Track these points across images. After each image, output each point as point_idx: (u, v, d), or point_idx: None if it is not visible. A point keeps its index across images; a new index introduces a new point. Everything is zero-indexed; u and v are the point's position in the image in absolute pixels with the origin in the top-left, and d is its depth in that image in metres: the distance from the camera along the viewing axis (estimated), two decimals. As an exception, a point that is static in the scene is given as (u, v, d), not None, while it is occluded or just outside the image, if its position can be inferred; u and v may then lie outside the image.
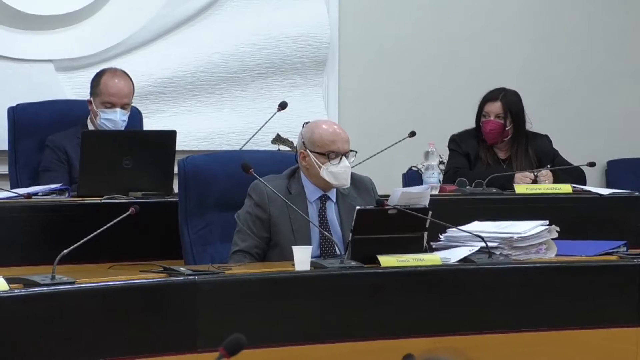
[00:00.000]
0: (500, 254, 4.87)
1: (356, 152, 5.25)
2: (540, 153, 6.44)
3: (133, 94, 6.19)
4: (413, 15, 7.43)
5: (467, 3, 7.55)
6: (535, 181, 6.09)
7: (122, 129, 6.04)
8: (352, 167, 5.24)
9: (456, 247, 4.89)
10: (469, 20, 7.56)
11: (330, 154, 5.09)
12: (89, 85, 6.22)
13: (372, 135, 5.94)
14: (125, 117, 6.08)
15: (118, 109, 6.03)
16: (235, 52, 7.12)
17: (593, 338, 4.80)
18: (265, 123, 6.16)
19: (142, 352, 4.23)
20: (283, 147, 6.02)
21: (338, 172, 5.10)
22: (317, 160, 5.10)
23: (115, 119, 6.02)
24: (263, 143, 6.15)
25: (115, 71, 6.24)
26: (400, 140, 6.04)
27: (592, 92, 7.74)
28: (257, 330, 3.83)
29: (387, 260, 4.66)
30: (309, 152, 5.13)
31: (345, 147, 5.15)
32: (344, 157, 5.11)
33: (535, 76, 7.23)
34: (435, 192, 5.69)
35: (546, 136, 6.63)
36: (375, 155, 5.77)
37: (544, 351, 4.63)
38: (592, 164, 6.51)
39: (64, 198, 5.51)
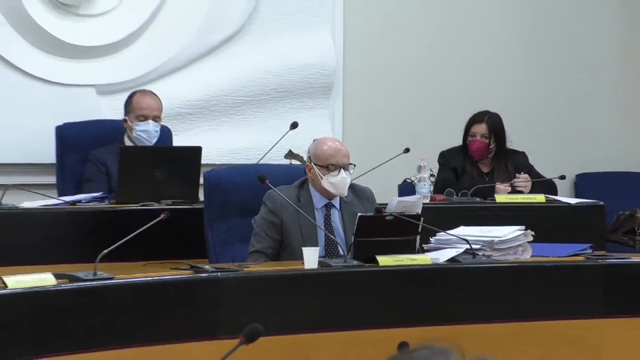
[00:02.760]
0: (483, 255, 4.88)
1: (355, 165, 5.23)
2: (517, 167, 6.44)
3: (162, 109, 6.19)
4: (408, 47, 7.42)
5: (456, 37, 7.54)
6: (513, 190, 6.11)
7: (156, 138, 6.05)
8: (354, 179, 5.26)
9: (444, 249, 4.88)
10: (457, 52, 7.56)
11: (330, 167, 5.09)
12: (122, 106, 6.23)
13: (372, 151, 5.93)
14: (157, 128, 6.08)
15: (150, 121, 6.04)
16: (253, 79, 7.11)
17: (563, 328, 4.80)
18: (279, 140, 6.17)
19: (171, 339, 4.24)
20: (294, 162, 6.01)
21: (337, 183, 5.10)
22: (319, 172, 5.10)
23: (148, 129, 6.03)
24: (277, 158, 6.16)
25: (144, 91, 6.26)
26: (396, 156, 6.03)
27: (563, 115, 7.73)
28: (272, 321, 3.84)
29: (384, 260, 4.66)
30: (313, 164, 5.13)
31: (345, 160, 5.14)
32: (342, 170, 5.10)
33: (514, 100, 7.23)
34: (427, 201, 5.67)
35: (523, 153, 6.63)
36: (374, 168, 5.77)
37: (521, 339, 4.62)
38: (562, 177, 6.55)
39: (104, 205, 5.53)
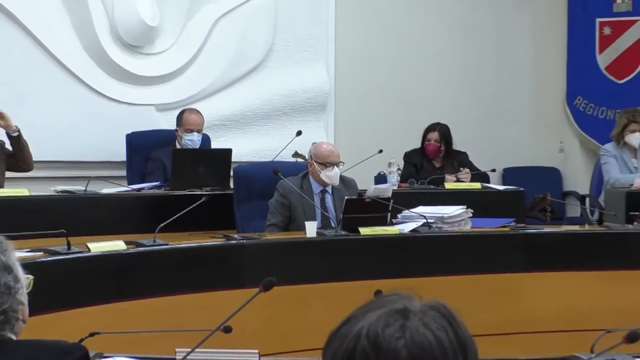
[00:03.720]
0: (436, 227, 4.88)
1: (343, 163, 5.24)
2: (461, 164, 6.43)
3: (203, 123, 6.17)
4: (381, 76, 7.42)
5: (415, 69, 7.55)
6: (457, 180, 6.11)
7: (198, 145, 6.03)
8: (342, 172, 5.25)
9: (408, 222, 4.89)
10: (416, 79, 7.52)
11: (326, 164, 5.10)
12: (174, 120, 6.24)
13: (355, 152, 5.92)
14: (200, 138, 6.07)
15: (195, 133, 6.03)
16: (269, 99, 7.10)
17: (495, 280, 4.81)
18: (288, 144, 6.15)
19: (210, 288, 4.27)
20: (299, 159, 6.00)
21: (331, 176, 5.10)
22: (318, 167, 5.09)
23: (193, 139, 6.01)
24: (286, 157, 6.15)
25: (191, 109, 6.24)
26: (373, 155, 6.03)
27: (493, 124, 7.75)
28: (283, 275, 3.84)
29: (365, 231, 4.68)
30: (313, 162, 5.14)
31: (336, 159, 5.14)
32: (335, 166, 5.11)
33: (457, 114, 7.19)
34: (395, 188, 5.68)
35: (465, 153, 6.62)
36: (357, 164, 5.75)
37: (463, 288, 4.63)
38: (493, 170, 6.55)
39: (160, 191, 5.55)
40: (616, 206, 5.53)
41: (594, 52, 7.75)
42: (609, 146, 6.32)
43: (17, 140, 5.15)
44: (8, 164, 5.25)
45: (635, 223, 4.80)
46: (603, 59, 7.72)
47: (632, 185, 5.76)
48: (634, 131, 5.99)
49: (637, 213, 4.67)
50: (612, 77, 7.70)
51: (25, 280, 2.18)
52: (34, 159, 5.50)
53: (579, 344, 3.14)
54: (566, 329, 4.49)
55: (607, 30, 7.68)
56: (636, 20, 7.41)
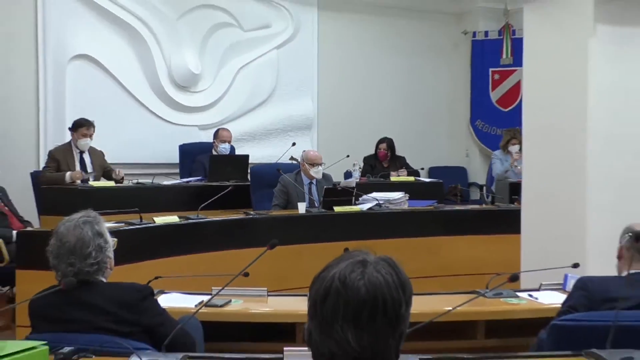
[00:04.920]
0: (385, 206, 4.88)
1: (324, 164, 5.22)
2: (401, 165, 6.45)
3: (231, 137, 6.10)
4: (349, 104, 7.40)
5: (370, 99, 7.51)
6: (398, 175, 6.09)
7: (228, 152, 5.98)
8: (323, 170, 5.21)
9: (366, 203, 4.88)
10: (371, 106, 7.51)
11: (313, 164, 5.07)
12: (212, 135, 6.21)
13: (331, 156, 5.84)
14: (229, 147, 6.01)
15: (227, 143, 5.97)
16: (273, 121, 7.07)
17: (424, 241, 4.80)
18: (286, 151, 6.06)
19: (235, 247, 4.23)
20: (294, 162, 5.95)
21: (316, 172, 5.07)
22: (307, 167, 5.07)
23: (225, 147, 5.95)
24: (285, 159, 6.03)
25: (224, 128, 6.17)
26: (342, 159, 5.97)
27: (422, 136, 7.69)
28: (283, 238, 3.83)
29: (337, 209, 4.68)
30: (304, 163, 5.11)
31: (320, 161, 5.11)
32: (319, 166, 5.09)
33: (399, 129, 7.13)
34: (357, 180, 5.68)
35: (403, 157, 6.64)
36: (332, 165, 5.70)
37: (403, 247, 4.61)
38: (422, 168, 6.53)
39: (201, 183, 5.48)
40: (503, 192, 5.50)
41: (488, 91, 7.70)
42: (497, 152, 6.34)
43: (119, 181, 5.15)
44: (105, 175, 5.19)
45: (515, 203, 4.81)
46: (494, 95, 7.68)
47: (507, 178, 5.80)
48: (514, 144, 6.06)
49: (517, 197, 4.68)
50: (500, 107, 7.66)
51: (112, 242, 2.18)
52: (120, 161, 5.54)
53: (478, 283, 3.12)
54: (470, 273, 4.45)
55: (496, 76, 7.66)
56: (515, 70, 7.39)
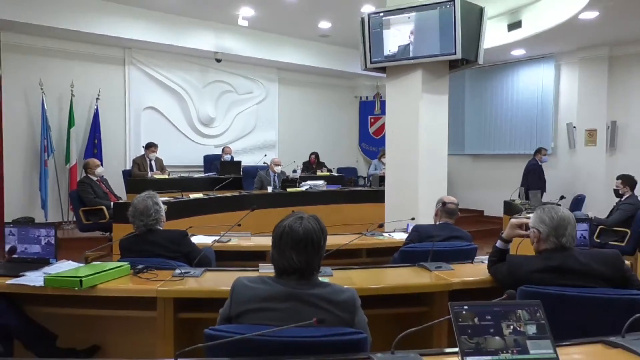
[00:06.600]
0: (314, 188, 4.75)
1: (282, 165, 5.05)
2: (322, 166, 6.37)
3: (232, 151, 5.90)
4: (294, 132, 7.16)
5: (306, 123, 7.23)
6: (321, 172, 6.00)
7: (230, 159, 5.75)
8: (281, 168, 5.07)
9: (304, 187, 4.77)
10: (309, 132, 7.29)
11: (276, 165, 4.96)
12: (221, 150, 6.00)
13: (286, 161, 5.68)
14: (231, 156, 5.79)
15: (229, 155, 5.77)
16: (255, 143, 6.89)
17: (334, 207, 4.60)
18: (262, 159, 6.00)
19: (232, 210, 4.08)
20: (265, 164, 5.72)
21: (277, 169, 4.96)
22: (273, 166, 4.97)
23: (228, 157, 5.72)
24: (261, 163, 6.03)
25: (228, 146, 5.92)
26: (291, 163, 5.92)
27: (333, 150, 7.47)
28: (259, 205, 3.47)
29: (289, 190, 4.56)
30: (271, 164, 5.00)
31: (279, 164, 5.00)
32: (279, 166, 4.98)
33: (322, 146, 6.97)
34: (299, 175, 5.54)
35: (323, 162, 6.54)
36: (286, 166, 5.63)
37: (324, 210, 4.38)
38: (334, 168, 6.50)
39: (215, 176, 5.19)
40: (375, 181, 5.48)
41: (367, 127, 7.73)
42: (375, 161, 6.32)
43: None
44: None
45: (381, 186, 4.71)
46: (371, 129, 7.69)
47: (377, 174, 5.73)
48: (383, 157, 6.05)
49: (383, 183, 4.54)
50: (374, 136, 7.70)
51: (164, 207, 2.13)
52: (171, 164, 5.44)
53: (362, 228, 3.08)
54: (358, 223, 4.05)
55: (372, 120, 7.69)
56: (382, 117, 7.40)
